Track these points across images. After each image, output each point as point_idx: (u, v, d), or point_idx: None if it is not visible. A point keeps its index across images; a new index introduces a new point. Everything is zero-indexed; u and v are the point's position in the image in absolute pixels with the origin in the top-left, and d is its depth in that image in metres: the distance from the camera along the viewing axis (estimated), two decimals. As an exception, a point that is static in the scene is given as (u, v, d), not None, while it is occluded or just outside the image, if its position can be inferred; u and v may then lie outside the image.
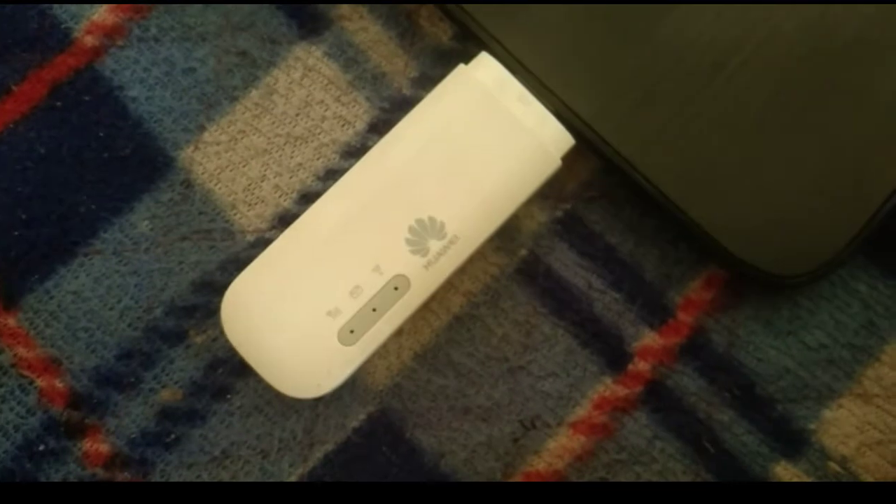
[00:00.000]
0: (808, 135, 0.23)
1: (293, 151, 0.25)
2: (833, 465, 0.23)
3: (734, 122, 0.23)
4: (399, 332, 0.23)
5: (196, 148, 0.25)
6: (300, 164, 0.25)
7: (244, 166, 0.25)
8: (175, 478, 0.23)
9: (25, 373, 0.23)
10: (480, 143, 0.22)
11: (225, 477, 0.23)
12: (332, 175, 0.24)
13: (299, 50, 0.25)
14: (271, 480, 0.23)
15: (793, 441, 0.23)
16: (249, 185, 0.24)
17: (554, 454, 0.23)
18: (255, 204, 0.24)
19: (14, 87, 0.25)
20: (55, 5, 0.25)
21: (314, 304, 0.22)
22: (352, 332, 0.21)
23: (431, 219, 0.22)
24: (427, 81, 0.25)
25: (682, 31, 0.23)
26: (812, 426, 0.23)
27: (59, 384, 0.23)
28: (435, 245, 0.22)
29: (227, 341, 0.22)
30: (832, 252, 0.23)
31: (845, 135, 0.23)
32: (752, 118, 0.23)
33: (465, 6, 0.24)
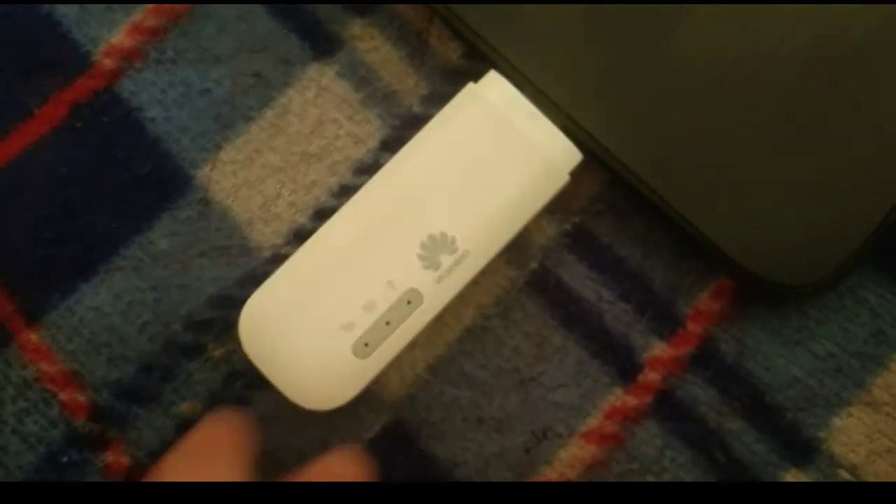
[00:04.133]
0: (814, 146, 0.24)
1: (308, 169, 0.25)
2: (843, 473, 0.23)
3: (740, 134, 0.24)
4: (413, 345, 0.23)
5: (213, 167, 0.25)
6: (315, 182, 0.25)
7: (260, 184, 0.25)
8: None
9: (48, 387, 0.24)
10: (490, 160, 0.23)
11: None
12: (345, 191, 0.25)
13: (312, 70, 0.26)
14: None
15: (802, 449, 0.24)
16: (265, 202, 0.25)
17: (566, 464, 0.24)
18: (271, 220, 0.25)
19: (35, 110, 0.25)
20: (75, 29, 0.26)
21: (329, 318, 0.22)
22: (366, 345, 0.22)
23: (443, 234, 0.22)
24: (437, 99, 0.25)
25: (688, 46, 0.24)
26: (822, 434, 0.24)
27: (80, 398, 0.24)
28: (446, 260, 0.22)
29: (244, 355, 0.22)
30: (839, 262, 0.23)
31: (850, 145, 0.24)
32: (757, 130, 0.24)
33: (473, 25, 0.24)
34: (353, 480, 0.21)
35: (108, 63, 0.26)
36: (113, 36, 0.26)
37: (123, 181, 0.25)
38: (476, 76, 0.24)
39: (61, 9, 0.26)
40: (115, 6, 0.26)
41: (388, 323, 0.22)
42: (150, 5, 0.26)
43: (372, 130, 0.25)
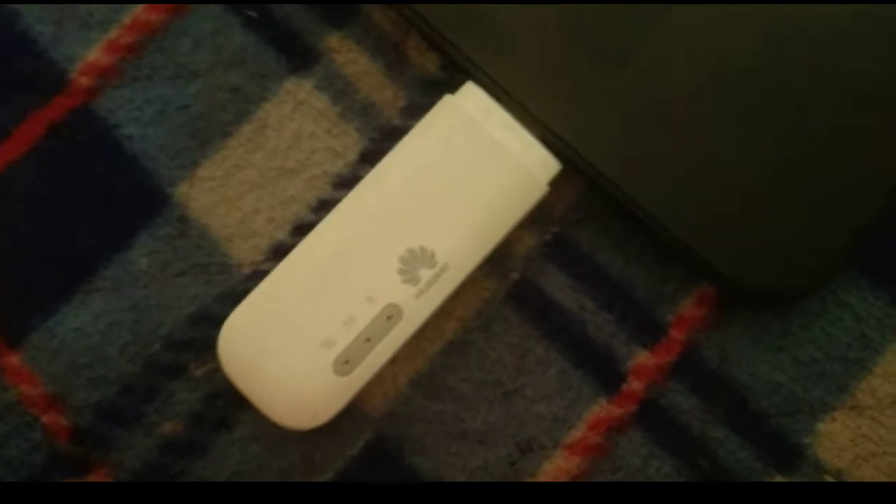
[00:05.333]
0: (794, 151, 0.24)
1: (286, 184, 0.25)
2: (828, 479, 0.23)
3: (718, 141, 0.24)
4: (394, 359, 0.23)
5: (191, 184, 0.25)
6: (293, 197, 0.25)
7: (238, 200, 0.25)
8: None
9: (30, 410, 0.24)
10: (468, 172, 0.23)
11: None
12: (325, 206, 0.25)
13: (289, 84, 0.26)
14: None
15: (787, 455, 0.24)
16: (244, 218, 0.25)
17: (550, 476, 0.24)
18: (250, 237, 0.25)
19: (12, 129, 0.25)
20: (50, 48, 0.26)
21: (309, 335, 0.22)
22: (346, 362, 0.22)
23: (422, 248, 0.22)
24: (416, 111, 0.25)
25: (664, 52, 0.24)
26: (806, 440, 0.24)
27: (62, 420, 0.24)
28: (426, 274, 0.22)
29: (224, 374, 0.22)
30: (820, 266, 0.23)
31: (831, 150, 0.24)
32: (736, 137, 0.24)
33: (449, 35, 0.24)
34: None
35: (84, 81, 0.26)
36: (89, 54, 0.26)
37: (102, 200, 0.25)
38: (455, 87, 0.24)
39: (37, 27, 0.26)
40: (92, 24, 0.26)
41: (368, 339, 0.22)
42: (126, 21, 0.26)
43: (350, 144, 0.25)
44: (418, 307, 0.22)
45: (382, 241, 0.22)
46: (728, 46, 0.24)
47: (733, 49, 0.24)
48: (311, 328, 0.22)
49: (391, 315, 0.22)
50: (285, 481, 0.23)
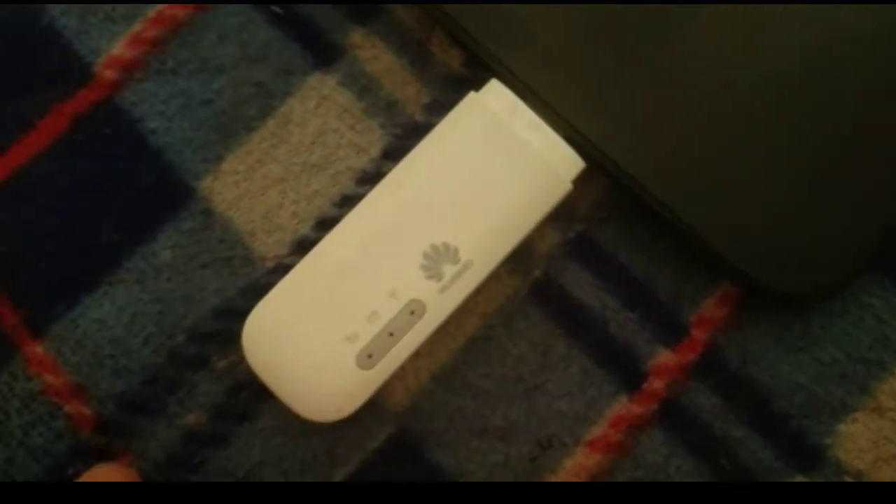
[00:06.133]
0: (818, 152, 0.24)
1: (310, 179, 0.25)
2: (849, 480, 0.23)
3: (743, 141, 0.24)
4: (416, 354, 0.23)
5: (215, 177, 0.25)
6: (317, 192, 0.25)
7: (262, 194, 0.25)
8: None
9: (54, 399, 0.24)
10: (492, 169, 0.23)
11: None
12: (348, 201, 0.25)
13: (313, 80, 0.26)
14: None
15: (808, 456, 0.24)
16: (268, 212, 0.25)
17: (571, 473, 0.24)
18: (274, 231, 0.25)
19: (36, 122, 0.25)
20: (75, 41, 0.26)
21: (333, 329, 0.22)
22: (370, 356, 0.22)
23: (445, 244, 0.22)
24: (439, 108, 0.25)
25: (690, 52, 0.24)
26: (827, 441, 0.24)
27: (85, 410, 0.24)
28: (449, 270, 0.22)
29: (248, 366, 0.22)
30: (844, 268, 0.23)
31: (856, 150, 0.24)
32: (761, 137, 0.24)
33: (474, 33, 0.24)
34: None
35: (108, 74, 0.26)
36: (113, 47, 0.26)
37: (126, 193, 0.25)
38: (478, 84, 0.24)
39: (62, 20, 0.26)
40: (116, 17, 0.26)
41: (391, 334, 0.22)
42: (150, 15, 0.26)
43: (374, 140, 0.25)
44: (441, 303, 0.22)
45: (406, 237, 0.22)
46: (756, 46, 0.24)
47: (761, 48, 0.24)
48: (335, 322, 0.22)
49: (414, 310, 0.22)
50: (302, 481, 0.24)
